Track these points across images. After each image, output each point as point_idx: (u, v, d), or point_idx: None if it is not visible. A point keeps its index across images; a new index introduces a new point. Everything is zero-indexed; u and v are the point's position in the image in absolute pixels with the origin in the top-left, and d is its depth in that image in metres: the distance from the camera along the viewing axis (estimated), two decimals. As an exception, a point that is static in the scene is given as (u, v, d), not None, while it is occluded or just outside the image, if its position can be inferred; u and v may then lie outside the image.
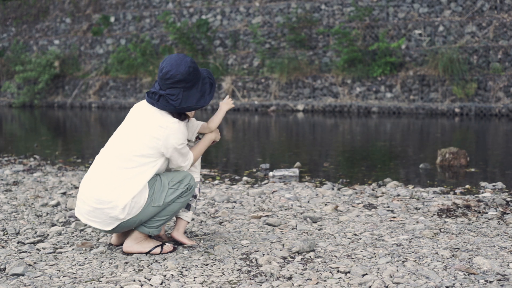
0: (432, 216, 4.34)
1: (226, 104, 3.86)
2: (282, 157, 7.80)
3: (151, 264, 3.32)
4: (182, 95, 3.44)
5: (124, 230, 3.54)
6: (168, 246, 3.55)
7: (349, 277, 3.09)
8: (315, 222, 4.22)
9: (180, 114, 3.53)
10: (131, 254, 3.51)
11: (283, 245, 3.64)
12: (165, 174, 3.57)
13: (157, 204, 3.46)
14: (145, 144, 3.44)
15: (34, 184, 5.75)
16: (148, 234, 3.53)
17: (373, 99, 14.26)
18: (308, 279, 3.07)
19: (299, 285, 2.99)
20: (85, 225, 4.09)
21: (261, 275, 3.13)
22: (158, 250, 3.53)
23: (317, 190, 5.31)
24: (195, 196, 3.72)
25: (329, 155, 8.01)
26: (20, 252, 3.57)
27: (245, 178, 6.07)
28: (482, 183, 5.61)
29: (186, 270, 3.22)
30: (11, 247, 3.67)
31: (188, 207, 3.70)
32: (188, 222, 3.73)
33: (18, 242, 3.77)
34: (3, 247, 3.68)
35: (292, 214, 4.44)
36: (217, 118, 3.80)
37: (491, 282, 2.99)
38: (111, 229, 3.45)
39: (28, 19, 20.05)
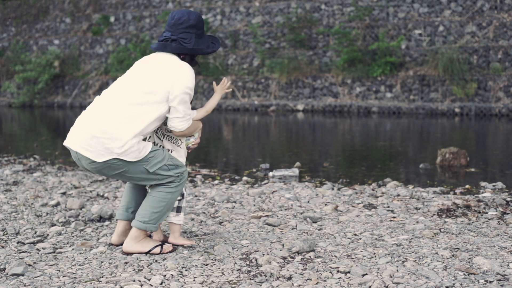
0: (432, 216, 4.34)
1: (221, 88, 3.84)
2: (282, 157, 7.80)
3: (151, 264, 3.32)
4: (195, 40, 3.57)
5: (109, 175, 3.45)
6: (168, 246, 3.55)
7: (349, 277, 3.09)
8: (315, 222, 4.21)
9: (191, 60, 3.62)
10: (131, 254, 3.51)
11: (283, 245, 3.64)
12: (169, 153, 3.60)
13: (147, 168, 3.43)
14: (154, 82, 3.45)
15: (34, 184, 5.75)
16: (146, 229, 3.51)
17: (373, 99, 14.26)
18: (308, 279, 3.07)
19: (299, 285, 2.99)
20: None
21: (261, 275, 3.13)
22: (158, 249, 3.53)
23: (317, 190, 5.31)
24: (182, 195, 3.70)
25: (329, 155, 8.01)
26: (20, 252, 3.57)
27: (245, 178, 6.07)
28: (482, 183, 5.61)
29: (186, 270, 3.22)
30: (11, 247, 3.67)
31: (178, 210, 3.68)
32: (181, 225, 3.71)
33: (18, 242, 3.77)
34: (3, 247, 3.68)
35: (292, 214, 4.44)
36: (212, 101, 3.79)
37: (491, 282, 2.99)
38: (101, 162, 3.37)
39: (28, 19, 20.05)
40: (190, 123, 3.55)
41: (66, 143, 3.53)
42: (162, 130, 3.69)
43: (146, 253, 3.51)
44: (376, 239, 3.77)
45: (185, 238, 3.77)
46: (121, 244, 3.67)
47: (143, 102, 3.43)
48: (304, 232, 3.95)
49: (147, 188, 3.70)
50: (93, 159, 3.39)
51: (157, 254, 3.52)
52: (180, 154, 3.69)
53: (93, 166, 3.42)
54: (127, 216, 3.69)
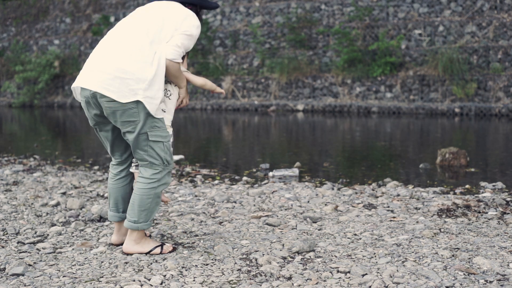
0: (432, 216, 4.34)
1: (210, 87, 3.77)
2: (282, 157, 7.80)
3: (151, 264, 3.32)
4: None
5: (116, 121, 3.38)
6: (168, 246, 3.55)
7: (349, 277, 3.09)
8: (315, 222, 4.22)
9: (196, 14, 3.61)
10: (131, 254, 3.51)
11: (283, 245, 3.64)
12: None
13: (149, 133, 3.38)
14: (168, 21, 3.42)
15: (34, 184, 5.75)
16: (138, 229, 3.46)
17: (373, 99, 14.26)
18: (308, 279, 3.07)
19: (299, 285, 2.99)
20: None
21: (261, 275, 3.13)
22: (158, 250, 3.53)
23: (317, 190, 5.31)
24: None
25: (329, 155, 8.01)
26: (20, 252, 3.57)
27: (245, 178, 6.07)
28: (482, 183, 5.61)
29: (186, 270, 3.22)
30: (11, 247, 3.67)
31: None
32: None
33: (18, 242, 3.77)
34: (3, 247, 3.68)
35: (292, 214, 4.44)
36: (194, 78, 3.69)
37: (491, 282, 2.99)
38: (122, 103, 3.31)
39: (28, 19, 20.06)
40: (180, 58, 3.42)
41: (79, 84, 3.40)
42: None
43: (146, 253, 3.51)
44: (376, 239, 3.77)
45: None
46: (121, 244, 3.67)
47: (155, 40, 3.37)
48: (304, 232, 3.95)
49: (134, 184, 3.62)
50: (116, 99, 3.29)
51: (157, 254, 3.52)
52: (168, 108, 3.57)
53: (111, 105, 3.31)
54: (120, 216, 3.66)
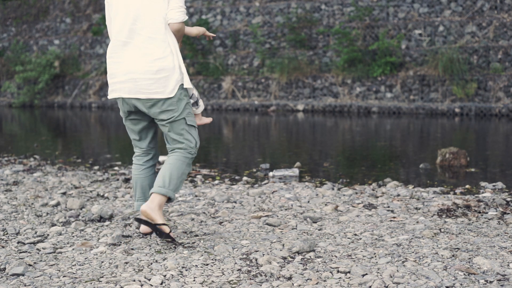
0: (432, 216, 4.34)
1: (203, 32, 4.00)
2: (282, 157, 7.80)
3: (151, 264, 3.32)
4: None
5: (154, 112, 3.68)
6: (166, 228, 3.56)
7: (349, 277, 3.09)
8: (315, 222, 4.22)
9: None
10: (144, 221, 3.56)
11: (283, 245, 3.64)
12: None
13: (186, 118, 3.73)
14: (162, 3, 3.64)
15: (34, 184, 5.75)
16: (166, 195, 3.59)
17: (373, 99, 14.26)
18: (308, 279, 3.07)
19: (299, 285, 2.99)
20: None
21: (261, 275, 3.13)
22: (167, 229, 3.54)
23: (317, 190, 5.32)
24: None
25: (329, 155, 8.01)
26: (20, 252, 3.57)
27: (245, 178, 6.07)
28: (482, 183, 5.61)
29: (186, 270, 3.22)
30: (11, 247, 3.67)
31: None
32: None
33: (18, 242, 3.77)
34: (3, 247, 3.68)
35: (292, 214, 4.44)
36: (190, 30, 3.95)
37: (491, 282, 2.99)
38: (173, 97, 3.65)
39: (28, 19, 20.05)
40: (185, 16, 3.69)
41: (123, 95, 3.69)
42: None
43: (155, 225, 3.52)
44: (376, 239, 3.77)
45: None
46: (150, 233, 3.80)
47: (163, 28, 3.66)
48: (304, 232, 3.95)
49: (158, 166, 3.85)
50: (166, 97, 3.63)
51: (163, 233, 3.53)
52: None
53: (167, 104, 3.65)
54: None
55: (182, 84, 3.70)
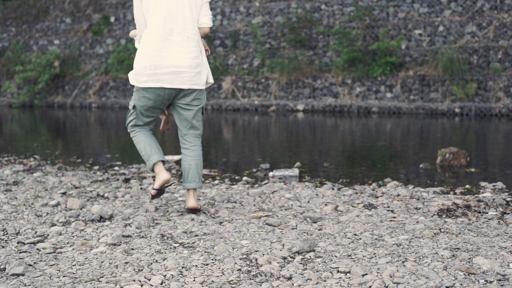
0: (432, 216, 4.34)
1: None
2: (282, 157, 7.80)
3: (151, 264, 3.32)
4: None
5: (196, 99, 4.42)
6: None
7: (349, 277, 3.09)
8: (315, 222, 4.22)
9: None
10: (195, 211, 4.42)
11: (283, 245, 3.64)
12: None
13: (204, 104, 4.51)
14: (197, 7, 4.36)
15: (34, 184, 5.76)
16: (201, 187, 4.51)
17: (373, 99, 14.27)
18: (308, 279, 3.07)
19: (299, 285, 2.99)
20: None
21: (261, 275, 3.14)
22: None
23: (317, 190, 5.32)
24: None
25: (329, 155, 8.01)
26: (20, 252, 3.57)
27: (245, 178, 6.07)
28: (482, 183, 5.61)
29: (186, 270, 3.22)
30: (11, 247, 3.67)
31: None
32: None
33: (18, 242, 3.77)
34: (3, 247, 3.68)
35: (292, 214, 4.45)
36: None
37: (491, 282, 3.00)
38: (203, 88, 4.41)
39: (28, 19, 20.06)
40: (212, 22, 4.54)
41: (165, 84, 4.27)
42: None
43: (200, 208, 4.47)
44: (376, 239, 3.77)
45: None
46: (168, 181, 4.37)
47: (197, 32, 4.41)
48: (304, 232, 3.95)
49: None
50: (201, 88, 4.38)
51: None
52: None
53: (198, 94, 4.38)
54: (163, 156, 4.43)
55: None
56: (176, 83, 4.26)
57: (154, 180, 5.90)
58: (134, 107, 4.44)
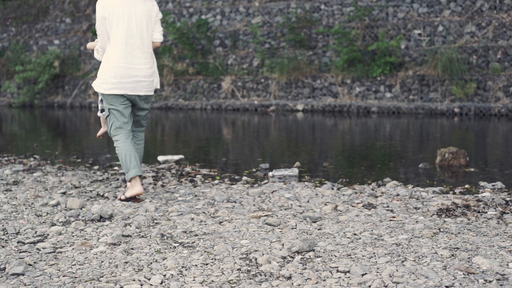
0: (431, 216, 4.35)
1: None
2: (282, 157, 7.81)
3: (151, 263, 3.33)
4: None
5: (143, 103, 5.21)
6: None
7: (349, 277, 3.10)
8: (315, 222, 4.22)
9: None
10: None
11: (282, 245, 3.65)
12: None
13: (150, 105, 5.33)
14: (152, 24, 5.12)
15: (34, 184, 5.76)
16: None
17: (372, 99, 14.27)
18: (307, 278, 3.08)
19: (299, 285, 3.00)
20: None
21: (260, 275, 3.14)
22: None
23: (316, 189, 5.32)
24: None
25: (328, 155, 8.02)
26: (20, 252, 3.58)
27: (244, 178, 6.08)
28: (482, 183, 5.62)
29: (185, 270, 3.23)
30: (11, 247, 3.68)
31: None
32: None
33: (18, 242, 3.78)
34: (3, 246, 3.68)
35: (292, 214, 4.45)
36: None
37: (490, 281, 3.00)
38: (152, 93, 5.19)
39: (28, 19, 20.06)
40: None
41: (128, 92, 4.99)
42: None
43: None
44: (375, 238, 3.78)
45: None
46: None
47: (151, 46, 5.16)
48: (304, 232, 3.96)
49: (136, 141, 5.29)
50: (152, 94, 5.18)
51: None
52: None
53: (150, 98, 5.21)
54: (140, 171, 4.97)
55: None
56: (136, 90, 5.01)
57: (153, 179, 5.91)
58: (109, 110, 5.04)
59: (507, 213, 4.40)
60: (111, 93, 4.97)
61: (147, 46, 5.05)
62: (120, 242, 3.74)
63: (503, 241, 3.67)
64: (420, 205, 4.70)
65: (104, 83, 4.97)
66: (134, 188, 4.87)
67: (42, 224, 4.22)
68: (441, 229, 3.96)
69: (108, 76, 4.94)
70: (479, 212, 4.45)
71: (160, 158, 7.23)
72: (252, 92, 15.54)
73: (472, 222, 4.17)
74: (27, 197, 5.13)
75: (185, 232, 3.98)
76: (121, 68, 4.93)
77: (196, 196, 5.16)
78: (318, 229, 4.03)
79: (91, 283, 3.04)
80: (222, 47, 16.51)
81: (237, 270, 3.23)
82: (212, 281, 3.06)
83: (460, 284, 2.97)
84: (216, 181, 5.91)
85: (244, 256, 3.46)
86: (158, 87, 5.23)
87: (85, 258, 3.46)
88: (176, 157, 7.26)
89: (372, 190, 5.36)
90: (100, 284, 3.02)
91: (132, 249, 3.61)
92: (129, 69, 4.95)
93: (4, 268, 3.28)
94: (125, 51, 4.95)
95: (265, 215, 4.40)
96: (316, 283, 3.02)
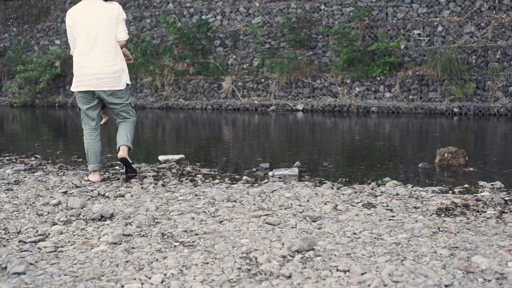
0: (431, 215, 4.36)
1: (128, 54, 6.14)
2: (282, 156, 7.82)
3: (152, 262, 3.35)
4: None
5: (121, 96, 5.77)
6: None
7: (348, 276, 3.11)
8: (315, 221, 4.24)
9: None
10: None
11: (282, 244, 3.66)
12: None
13: (130, 99, 5.84)
14: (113, 25, 5.64)
15: (35, 183, 5.78)
16: (130, 146, 5.76)
17: (372, 98, 14.28)
18: (307, 277, 3.09)
19: (299, 284, 3.01)
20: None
21: (260, 274, 3.16)
22: (133, 166, 5.90)
23: (316, 189, 5.34)
24: None
25: (328, 155, 8.03)
26: (21, 251, 3.59)
27: (245, 177, 6.09)
28: (481, 182, 5.63)
29: (186, 269, 3.24)
30: (12, 246, 3.70)
31: None
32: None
33: (19, 241, 3.79)
34: (4, 246, 3.70)
35: (292, 213, 4.47)
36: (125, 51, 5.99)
37: (489, 280, 3.02)
38: (124, 88, 5.71)
39: (29, 19, 20.07)
40: (128, 36, 5.77)
41: (90, 88, 5.62)
42: None
43: (130, 163, 5.74)
44: (375, 238, 3.79)
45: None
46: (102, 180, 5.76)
47: (115, 43, 5.70)
48: (304, 231, 3.97)
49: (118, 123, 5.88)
50: (120, 88, 5.67)
51: (134, 169, 5.84)
52: None
53: (119, 93, 5.69)
54: (100, 166, 5.88)
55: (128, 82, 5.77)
56: (99, 86, 5.61)
57: (153, 179, 5.93)
58: (79, 108, 5.77)
59: (506, 212, 4.42)
60: (77, 90, 5.65)
61: (110, 46, 5.62)
62: (121, 241, 3.76)
63: (502, 240, 3.68)
64: (419, 204, 4.72)
65: (73, 83, 5.68)
66: (94, 177, 5.81)
67: (43, 224, 4.24)
68: (441, 229, 3.97)
69: (74, 76, 5.65)
70: (478, 211, 4.47)
71: (161, 157, 7.25)
72: (252, 92, 15.56)
73: (471, 221, 4.18)
74: (28, 196, 5.15)
75: (186, 231, 4.00)
76: (82, 67, 5.60)
77: (196, 195, 5.17)
78: (318, 229, 4.04)
79: (92, 282, 3.05)
80: (222, 47, 16.52)
81: (237, 269, 3.24)
82: (213, 280, 3.08)
83: (459, 283, 2.98)
84: (216, 181, 5.92)
85: (244, 255, 3.47)
86: (129, 82, 5.76)
87: (86, 257, 3.47)
88: (177, 157, 7.27)
89: (372, 189, 5.38)
90: (101, 283, 3.03)
91: (133, 248, 3.63)
92: (89, 68, 5.58)
93: (6, 267, 3.30)
94: (85, 52, 5.60)
95: (265, 215, 4.41)
96: (316, 282, 3.04)
